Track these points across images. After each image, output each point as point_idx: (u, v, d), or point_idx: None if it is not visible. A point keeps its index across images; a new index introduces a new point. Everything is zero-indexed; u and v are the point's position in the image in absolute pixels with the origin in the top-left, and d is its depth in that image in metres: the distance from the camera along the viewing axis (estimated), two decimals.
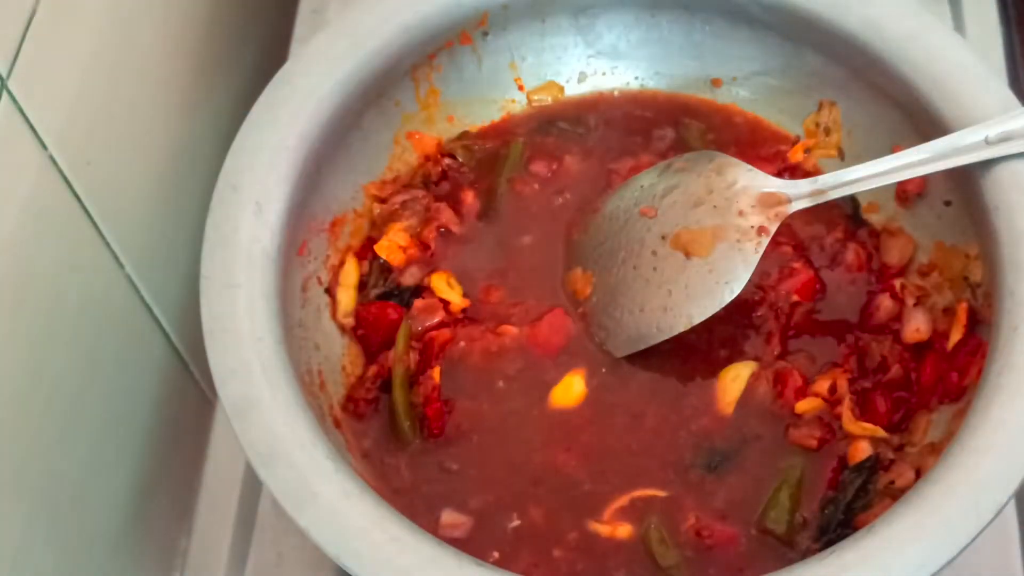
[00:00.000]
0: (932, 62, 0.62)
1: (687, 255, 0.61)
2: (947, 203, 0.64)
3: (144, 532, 0.70)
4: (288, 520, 0.51)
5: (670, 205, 0.63)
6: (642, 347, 0.62)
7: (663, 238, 0.62)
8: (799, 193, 0.61)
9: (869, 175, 0.60)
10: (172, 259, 0.71)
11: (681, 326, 0.61)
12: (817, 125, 0.69)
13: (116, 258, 0.64)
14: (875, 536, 0.49)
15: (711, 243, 0.61)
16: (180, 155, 0.72)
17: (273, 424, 0.53)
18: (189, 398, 0.75)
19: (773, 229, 0.61)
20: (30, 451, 0.57)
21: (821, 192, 0.61)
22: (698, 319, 0.61)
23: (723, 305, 0.60)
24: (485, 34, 0.69)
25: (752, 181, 0.62)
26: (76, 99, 0.59)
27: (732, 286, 0.60)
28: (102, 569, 0.65)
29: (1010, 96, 0.60)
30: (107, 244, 0.63)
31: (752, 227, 0.61)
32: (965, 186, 0.61)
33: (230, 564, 0.64)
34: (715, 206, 0.62)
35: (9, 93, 0.53)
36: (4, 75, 0.53)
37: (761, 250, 0.60)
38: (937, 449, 0.57)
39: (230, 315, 0.55)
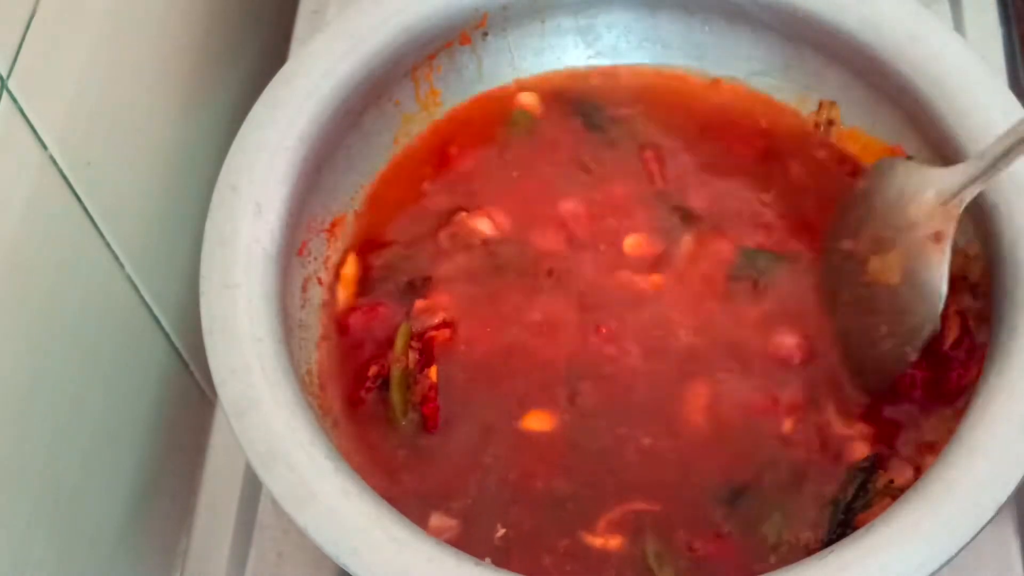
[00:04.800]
0: (932, 62, 0.62)
1: (884, 284, 0.59)
2: None
3: (144, 532, 0.70)
4: (288, 520, 0.51)
5: (869, 237, 0.61)
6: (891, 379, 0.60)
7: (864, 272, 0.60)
8: (965, 179, 0.56)
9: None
10: (172, 259, 0.71)
11: (910, 357, 0.59)
12: (817, 125, 0.69)
13: (116, 258, 0.64)
14: (874, 535, 0.49)
15: (897, 268, 0.58)
16: (180, 155, 0.72)
17: (273, 424, 0.53)
18: (189, 398, 0.75)
19: (950, 230, 0.57)
20: (30, 451, 0.57)
21: (991, 167, 0.55)
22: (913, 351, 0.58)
23: (934, 330, 0.58)
24: (485, 35, 0.69)
25: (919, 182, 0.58)
26: (76, 99, 0.59)
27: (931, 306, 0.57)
28: (102, 569, 0.65)
29: (1009, 96, 0.60)
30: (107, 244, 0.63)
31: (927, 236, 0.57)
32: None
33: (230, 564, 0.64)
34: (893, 226, 0.59)
35: (9, 93, 0.53)
36: (4, 75, 0.53)
37: (946, 257, 0.57)
38: (936, 448, 0.57)
39: (230, 315, 0.55)
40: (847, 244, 0.62)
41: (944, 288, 0.57)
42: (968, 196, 0.57)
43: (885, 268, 0.59)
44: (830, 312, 0.63)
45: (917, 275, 0.58)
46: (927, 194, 0.58)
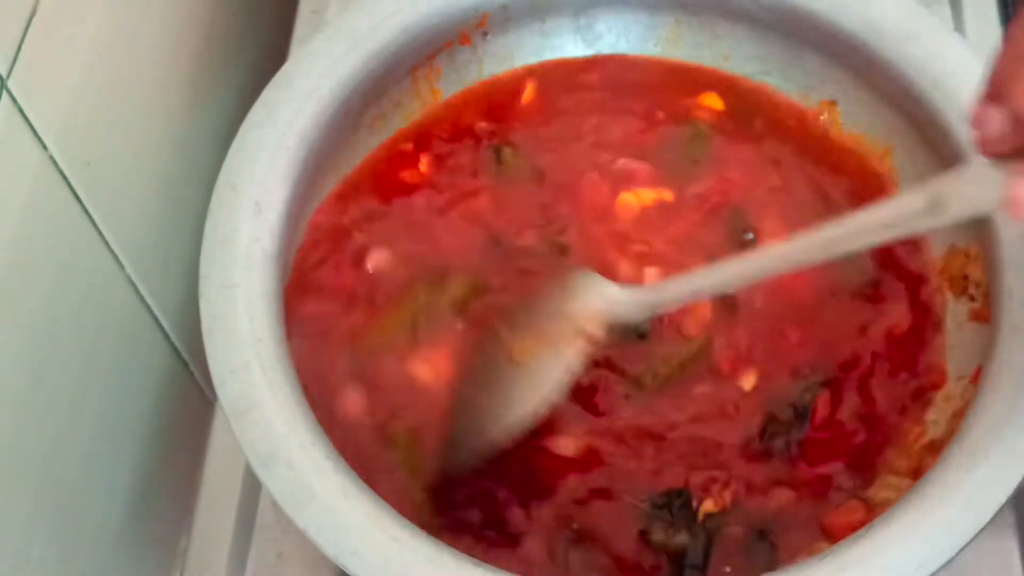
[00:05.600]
0: (932, 62, 0.62)
1: (517, 363, 0.58)
2: None
3: (144, 532, 0.70)
4: (288, 520, 0.51)
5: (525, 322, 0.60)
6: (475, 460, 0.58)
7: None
8: (633, 306, 0.56)
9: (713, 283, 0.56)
10: (172, 259, 0.71)
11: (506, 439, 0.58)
12: None
13: (116, 258, 0.64)
14: (874, 536, 0.49)
15: (535, 352, 0.58)
16: (180, 155, 0.72)
17: (273, 424, 0.53)
18: (189, 398, 0.75)
19: (595, 337, 0.56)
20: (30, 451, 0.57)
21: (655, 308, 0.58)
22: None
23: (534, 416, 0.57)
24: (485, 34, 0.69)
25: (597, 291, 0.58)
26: (76, 99, 0.59)
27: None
28: (102, 569, 0.65)
29: None
30: (107, 244, 0.63)
31: (576, 330, 0.57)
32: None
33: (230, 564, 0.64)
34: (551, 315, 0.58)
35: (9, 93, 0.53)
36: (4, 75, 0.53)
37: (579, 358, 0.56)
38: (936, 449, 0.57)
39: (230, 315, 0.55)
40: (504, 328, 0.60)
41: (564, 381, 0.56)
42: (627, 316, 0.57)
43: (525, 349, 0.57)
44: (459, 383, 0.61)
45: (548, 362, 0.57)
46: (596, 303, 0.57)
